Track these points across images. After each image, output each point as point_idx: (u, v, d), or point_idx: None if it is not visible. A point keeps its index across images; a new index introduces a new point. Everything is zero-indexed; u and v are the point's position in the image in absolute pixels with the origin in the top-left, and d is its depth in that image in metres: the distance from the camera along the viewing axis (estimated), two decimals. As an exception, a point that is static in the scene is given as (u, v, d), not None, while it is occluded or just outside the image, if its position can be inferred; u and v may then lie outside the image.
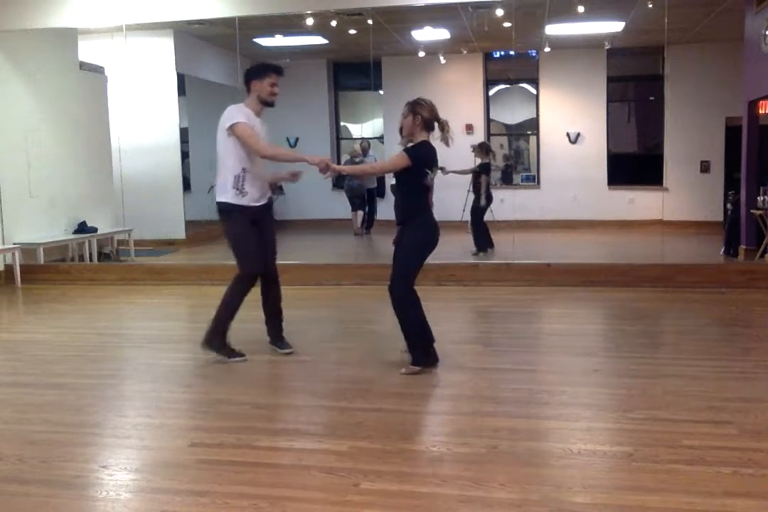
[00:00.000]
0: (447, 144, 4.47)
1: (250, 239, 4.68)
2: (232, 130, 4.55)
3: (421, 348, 4.44)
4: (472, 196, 9.66)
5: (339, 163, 12.48)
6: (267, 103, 4.74)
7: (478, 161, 9.68)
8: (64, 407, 3.93)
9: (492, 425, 3.48)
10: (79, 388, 4.25)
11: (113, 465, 3.14)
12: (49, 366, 4.79)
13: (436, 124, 4.45)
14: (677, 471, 2.91)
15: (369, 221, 11.73)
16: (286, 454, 3.20)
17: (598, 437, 3.35)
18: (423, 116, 4.38)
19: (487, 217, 9.53)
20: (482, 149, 9.64)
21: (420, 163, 4.38)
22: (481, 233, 9.41)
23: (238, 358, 4.74)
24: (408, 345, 4.46)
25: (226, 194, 4.63)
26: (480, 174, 9.46)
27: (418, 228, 4.46)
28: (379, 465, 3.03)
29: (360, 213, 11.62)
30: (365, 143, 12.03)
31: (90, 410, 3.88)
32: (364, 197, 11.69)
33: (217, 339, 4.71)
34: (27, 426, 3.64)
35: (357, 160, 11.24)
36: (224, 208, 4.67)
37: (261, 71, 4.72)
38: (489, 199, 9.47)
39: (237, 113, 4.61)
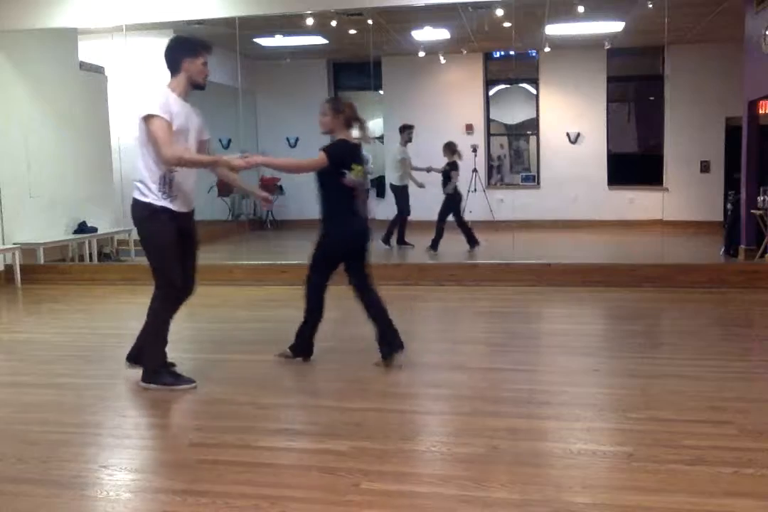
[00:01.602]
0: (368, 143, 4.57)
1: (177, 249, 4.10)
2: (145, 121, 3.93)
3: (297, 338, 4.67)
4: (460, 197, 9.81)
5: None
6: (199, 86, 4.22)
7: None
8: (64, 407, 3.93)
9: (492, 425, 3.48)
10: (79, 388, 4.25)
11: (113, 465, 3.14)
12: (49, 366, 4.79)
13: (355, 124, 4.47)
14: (677, 471, 2.91)
15: None
16: (286, 454, 3.20)
17: (598, 437, 3.35)
18: (346, 114, 4.41)
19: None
20: (449, 149, 9.85)
21: (338, 162, 4.32)
22: (439, 233, 9.58)
23: (186, 385, 4.14)
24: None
25: (148, 195, 4.02)
26: (449, 172, 9.71)
27: (329, 232, 4.48)
28: (379, 465, 3.03)
29: None
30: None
31: (90, 410, 3.88)
32: None
33: (155, 371, 4.15)
34: (27, 426, 3.64)
35: None
36: (149, 211, 4.03)
37: (193, 49, 4.16)
38: (458, 196, 9.64)
39: (157, 101, 3.98)
